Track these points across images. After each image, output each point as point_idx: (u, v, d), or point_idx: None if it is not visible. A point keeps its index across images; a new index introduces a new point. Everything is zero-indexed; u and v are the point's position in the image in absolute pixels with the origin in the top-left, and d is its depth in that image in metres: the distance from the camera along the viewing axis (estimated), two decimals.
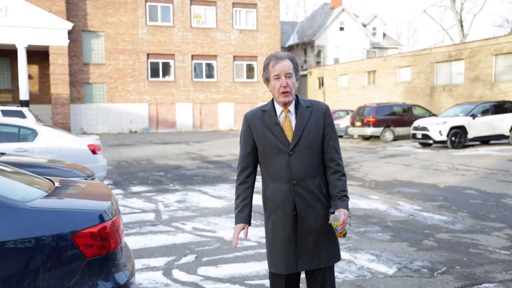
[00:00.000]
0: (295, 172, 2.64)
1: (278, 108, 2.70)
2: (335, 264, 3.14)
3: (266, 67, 2.68)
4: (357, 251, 5.20)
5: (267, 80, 2.70)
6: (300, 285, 3.80)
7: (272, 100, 2.74)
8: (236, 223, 2.72)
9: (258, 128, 2.69)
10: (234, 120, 32.65)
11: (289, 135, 2.65)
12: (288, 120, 2.68)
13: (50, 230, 2.43)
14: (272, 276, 2.80)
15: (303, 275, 3.81)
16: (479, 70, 23.78)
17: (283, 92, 2.62)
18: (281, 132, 2.65)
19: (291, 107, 2.69)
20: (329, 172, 2.73)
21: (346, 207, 2.66)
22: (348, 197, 2.70)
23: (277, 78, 2.63)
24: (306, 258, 2.69)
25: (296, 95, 2.73)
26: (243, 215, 2.72)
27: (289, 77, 2.63)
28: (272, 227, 2.71)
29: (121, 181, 10.54)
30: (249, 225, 2.74)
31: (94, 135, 9.21)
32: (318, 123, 2.68)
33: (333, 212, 2.59)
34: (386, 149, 17.28)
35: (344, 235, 2.69)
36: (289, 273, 2.72)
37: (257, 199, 7.99)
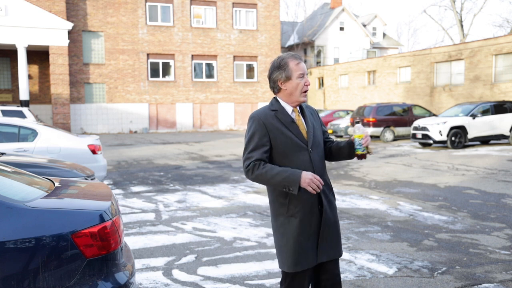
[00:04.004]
0: (316, 168, 2.72)
1: (288, 108, 2.74)
2: None
3: (285, 65, 2.67)
4: (357, 251, 5.20)
5: (287, 79, 2.68)
6: None
7: (276, 100, 2.76)
8: (299, 173, 2.54)
9: (276, 127, 2.67)
10: (234, 120, 32.64)
11: (304, 133, 2.73)
12: (300, 119, 2.76)
13: (50, 230, 2.42)
14: (294, 277, 2.70)
15: None
16: (479, 70, 23.79)
17: (306, 91, 2.72)
18: (297, 130, 2.71)
19: (297, 107, 2.80)
20: (329, 147, 2.89)
21: None
22: None
23: (301, 77, 2.69)
24: (324, 250, 2.73)
25: None
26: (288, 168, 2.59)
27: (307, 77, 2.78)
28: (299, 225, 2.66)
29: (121, 181, 10.54)
30: None
31: (94, 135, 9.21)
32: (317, 122, 2.85)
33: (358, 122, 2.67)
34: (386, 149, 17.28)
35: (365, 156, 2.68)
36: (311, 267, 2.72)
37: (257, 199, 8.01)
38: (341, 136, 24.19)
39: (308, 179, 2.53)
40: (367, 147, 2.71)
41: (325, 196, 2.75)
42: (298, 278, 2.71)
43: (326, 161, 2.90)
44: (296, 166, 2.66)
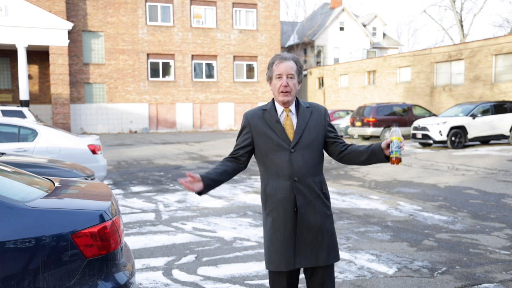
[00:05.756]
0: (296, 169, 2.67)
1: (279, 108, 2.76)
2: (335, 264, 3.14)
3: (270, 66, 2.75)
4: (357, 251, 5.20)
5: (269, 79, 2.77)
6: (300, 285, 3.80)
7: (273, 100, 2.80)
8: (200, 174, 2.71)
9: (259, 126, 2.73)
10: (234, 120, 32.63)
11: (290, 133, 2.71)
12: (289, 119, 2.74)
13: (50, 230, 2.42)
14: (272, 275, 2.78)
15: (302, 276, 3.80)
16: (479, 70, 23.79)
17: (282, 92, 2.68)
18: (282, 130, 2.70)
19: (292, 107, 2.76)
20: (343, 149, 2.81)
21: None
22: None
23: (279, 77, 2.70)
24: (304, 255, 2.70)
25: (296, 97, 2.80)
26: (208, 173, 2.75)
27: (290, 77, 2.70)
28: (272, 224, 2.72)
29: (121, 181, 10.54)
30: (204, 184, 2.69)
31: (94, 135, 9.21)
32: (318, 123, 2.77)
33: (396, 125, 2.56)
34: None
35: (400, 161, 2.55)
36: (289, 271, 2.72)
37: (257, 199, 8.01)
38: (341, 136, 24.13)
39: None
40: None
41: (305, 199, 2.68)
42: (277, 277, 2.75)
43: (342, 164, 2.89)
44: (276, 166, 2.69)
